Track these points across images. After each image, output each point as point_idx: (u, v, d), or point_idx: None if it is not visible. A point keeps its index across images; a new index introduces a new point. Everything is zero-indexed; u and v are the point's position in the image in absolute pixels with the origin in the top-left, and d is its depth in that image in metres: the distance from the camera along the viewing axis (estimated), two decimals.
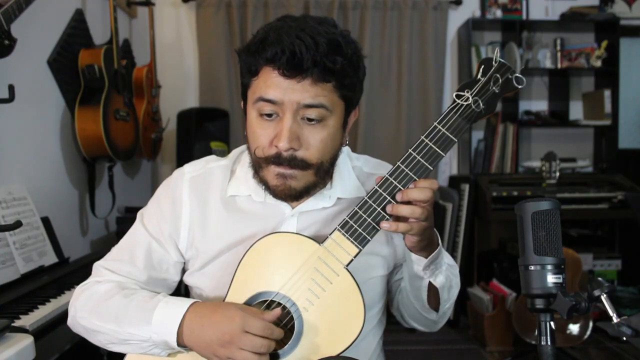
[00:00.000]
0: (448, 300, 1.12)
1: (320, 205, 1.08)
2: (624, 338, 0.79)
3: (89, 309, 1.04)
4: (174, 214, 1.10)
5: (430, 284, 1.06)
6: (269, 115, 0.98)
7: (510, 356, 3.04)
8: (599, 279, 0.82)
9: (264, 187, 1.04)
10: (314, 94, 0.95)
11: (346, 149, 1.13)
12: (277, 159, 0.98)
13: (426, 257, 1.01)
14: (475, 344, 3.27)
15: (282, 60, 0.92)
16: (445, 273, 1.07)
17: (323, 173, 1.03)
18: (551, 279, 0.80)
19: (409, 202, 0.95)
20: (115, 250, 1.13)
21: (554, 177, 3.10)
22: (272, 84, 0.95)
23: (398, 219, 0.96)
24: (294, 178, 1.00)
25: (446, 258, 1.09)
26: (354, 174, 1.13)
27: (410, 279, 1.08)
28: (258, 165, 1.02)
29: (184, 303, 1.00)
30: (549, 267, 0.80)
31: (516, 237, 0.85)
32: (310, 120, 0.97)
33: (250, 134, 1.02)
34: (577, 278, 2.89)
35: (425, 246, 1.00)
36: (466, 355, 3.15)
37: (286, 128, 0.96)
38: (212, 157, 1.18)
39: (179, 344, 0.98)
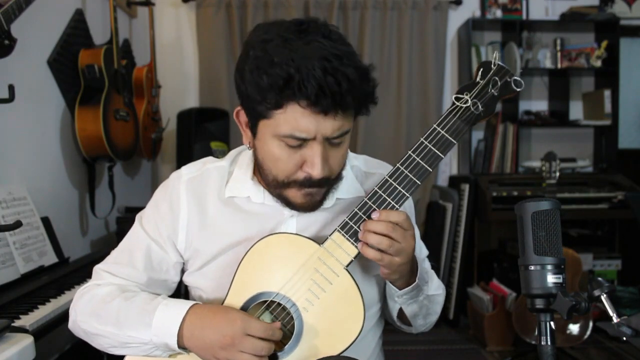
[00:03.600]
0: (424, 325, 1.14)
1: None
2: (624, 338, 0.79)
3: (89, 312, 1.04)
4: (172, 215, 1.10)
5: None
6: (296, 145, 0.96)
7: (510, 356, 3.04)
8: (599, 279, 0.82)
9: (283, 202, 1.03)
10: (341, 125, 0.95)
11: None
12: (307, 183, 0.98)
13: (399, 289, 1.02)
14: (475, 344, 3.27)
15: (322, 102, 0.89)
16: (422, 303, 1.07)
17: (337, 180, 1.04)
18: (551, 279, 0.80)
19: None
20: (114, 253, 1.14)
21: (554, 177, 3.10)
22: (304, 121, 0.92)
23: None
24: (319, 194, 1.01)
25: (429, 287, 1.09)
26: (352, 174, 1.13)
27: (387, 295, 1.09)
28: (279, 186, 1.01)
29: (184, 305, 1.00)
30: (549, 267, 0.81)
31: (516, 237, 0.85)
32: (335, 142, 0.98)
33: (273, 161, 0.99)
34: (577, 278, 2.89)
35: (398, 280, 1.01)
36: (466, 355, 3.15)
37: (320, 157, 0.95)
38: (210, 158, 1.17)
39: (179, 346, 0.98)
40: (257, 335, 0.94)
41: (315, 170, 0.96)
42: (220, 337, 0.94)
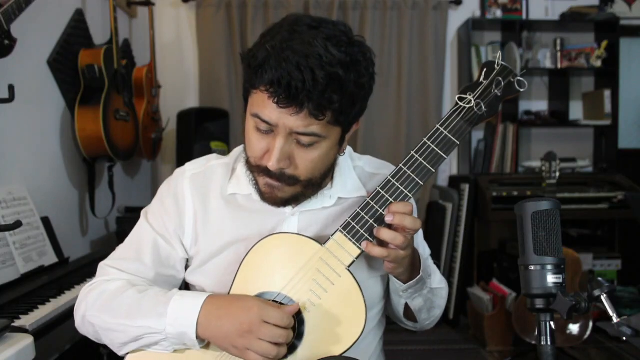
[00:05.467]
0: (428, 319, 1.15)
1: (321, 205, 1.08)
2: (624, 338, 0.79)
3: (100, 306, 1.03)
4: (178, 211, 1.10)
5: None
6: (265, 129, 0.97)
7: (510, 356, 3.04)
8: (599, 279, 0.82)
9: (255, 187, 1.05)
10: (307, 124, 0.94)
11: (348, 150, 1.13)
12: (267, 172, 0.99)
13: (404, 283, 1.03)
14: (475, 344, 3.27)
15: (279, 92, 0.90)
16: (426, 297, 1.08)
17: (313, 186, 1.03)
18: (551, 279, 0.80)
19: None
20: (120, 249, 1.13)
21: (554, 177, 3.10)
22: (268, 106, 0.94)
23: (381, 242, 0.97)
24: (281, 190, 1.01)
25: (432, 280, 1.10)
26: (355, 174, 1.13)
27: (391, 291, 1.10)
28: (251, 169, 1.04)
29: (199, 295, 1.00)
30: (549, 267, 0.81)
31: (516, 237, 0.85)
32: (304, 143, 0.97)
33: (247, 140, 1.02)
34: (577, 278, 2.89)
35: (402, 273, 1.02)
36: (466, 355, 3.15)
37: (277, 149, 0.96)
38: (213, 155, 1.18)
39: (197, 336, 0.97)
40: (274, 323, 0.94)
41: (271, 161, 0.96)
42: (238, 324, 0.94)
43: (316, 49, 0.91)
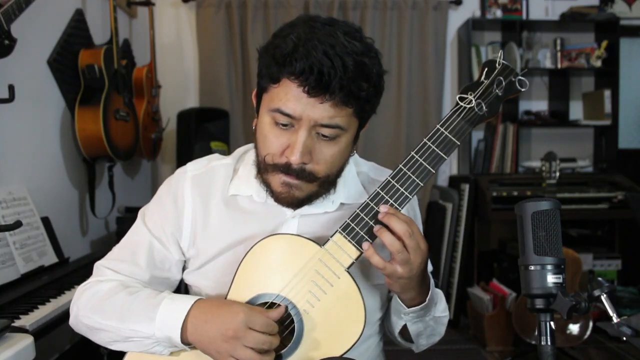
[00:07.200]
0: (426, 345, 1.14)
1: (322, 210, 1.07)
2: (624, 338, 0.79)
3: (92, 307, 1.03)
4: (176, 212, 1.09)
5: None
6: (284, 124, 0.97)
7: (510, 356, 3.04)
8: (599, 279, 0.82)
9: (266, 189, 1.03)
10: (333, 115, 0.94)
11: (354, 156, 1.12)
12: (285, 169, 0.98)
13: (407, 305, 1.01)
14: (475, 344, 3.27)
15: (310, 79, 0.90)
16: (427, 323, 1.06)
17: (328, 184, 1.03)
18: (551, 279, 0.80)
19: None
20: (116, 249, 1.13)
21: (554, 177, 3.10)
22: (292, 98, 0.93)
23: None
24: (299, 188, 1.00)
25: (437, 309, 1.06)
26: (359, 180, 1.12)
27: (391, 310, 1.08)
28: (264, 169, 1.02)
29: (188, 299, 0.99)
30: (549, 267, 0.80)
31: (516, 237, 0.85)
32: (324, 136, 0.97)
33: (262, 138, 1.01)
34: (577, 278, 2.89)
35: (403, 293, 0.99)
36: (466, 355, 3.15)
37: (300, 142, 0.95)
38: (215, 155, 1.17)
39: (182, 341, 0.97)
40: (258, 330, 0.93)
41: (293, 155, 0.95)
42: (223, 330, 0.93)
43: (339, 40, 0.92)
